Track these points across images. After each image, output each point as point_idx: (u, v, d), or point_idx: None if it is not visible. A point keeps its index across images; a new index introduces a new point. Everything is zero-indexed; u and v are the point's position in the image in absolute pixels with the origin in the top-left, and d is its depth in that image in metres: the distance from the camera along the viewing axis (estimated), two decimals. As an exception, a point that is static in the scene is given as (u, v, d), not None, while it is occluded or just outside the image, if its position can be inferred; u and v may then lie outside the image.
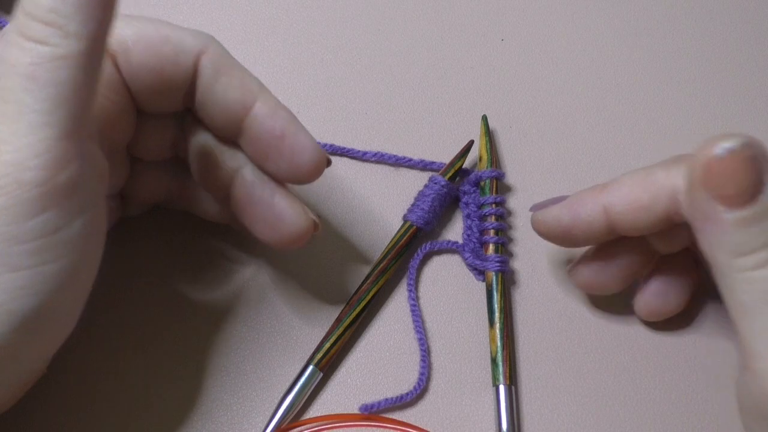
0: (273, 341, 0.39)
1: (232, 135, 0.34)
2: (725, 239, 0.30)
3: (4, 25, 0.43)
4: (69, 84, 0.27)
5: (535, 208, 0.37)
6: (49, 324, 0.29)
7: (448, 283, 0.41)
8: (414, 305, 0.40)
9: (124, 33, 0.32)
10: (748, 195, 0.29)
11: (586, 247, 0.39)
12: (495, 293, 0.39)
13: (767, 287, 0.29)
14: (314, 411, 0.38)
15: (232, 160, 0.35)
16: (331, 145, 0.43)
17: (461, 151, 0.42)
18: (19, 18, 0.27)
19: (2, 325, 0.27)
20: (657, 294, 0.38)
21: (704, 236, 0.31)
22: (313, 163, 0.34)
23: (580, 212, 0.35)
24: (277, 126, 0.33)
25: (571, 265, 0.39)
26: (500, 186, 0.42)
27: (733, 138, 0.29)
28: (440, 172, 0.42)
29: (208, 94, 0.33)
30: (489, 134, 0.43)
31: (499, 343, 0.39)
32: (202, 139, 0.35)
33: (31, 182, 0.26)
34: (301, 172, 0.34)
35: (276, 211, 0.35)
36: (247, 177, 0.35)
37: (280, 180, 0.35)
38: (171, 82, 0.33)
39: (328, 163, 0.35)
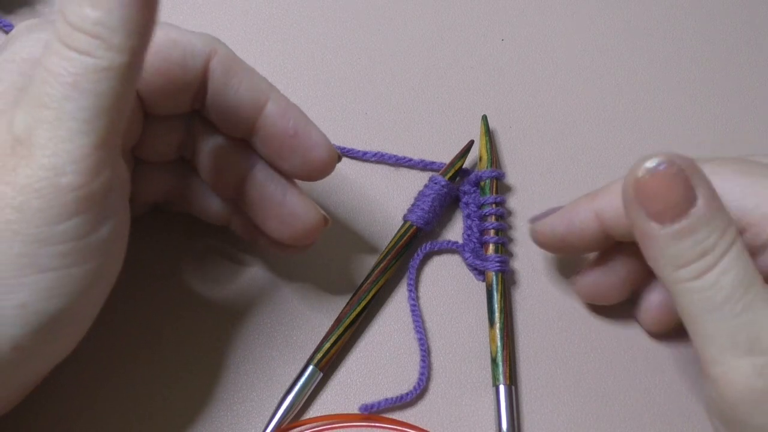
0: (273, 341, 0.39)
1: (243, 135, 0.35)
2: (663, 253, 0.30)
3: (4, 25, 0.43)
4: (109, 95, 0.27)
5: (533, 220, 0.38)
6: (68, 326, 0.30)
7: (448, 283, 0.41)
8: (414, 305, 0.40)
9: None
10: (678, 209, 0.30)
11: (588, 257, 0.39)
12: (495, 293, 0.39)
13: (707, 295, 0.30)
14: (314, 411, 0.38)
15: (242, 160, 0.35)
16: (331, 145, 0.43)
17: (461, 151, 0.42)
18: (61, 26, 0.27)
19: (26, 325, 0.28)
20: (660, 304, 0.38)
21: (646, 252, 0.31)
22: (326, 159, 0.35)
23: (574, 220, 0.36)
24: (290, 125, 0.34)
25: (573, 278, 0.39)
26: (500, 186, 0.42)
27: (655, 157, 0.30)
28: (440, 172, 0.42)
29: (219, 96, 0.33)
30: (489, 134, 0.43)
31: (499, 343, 0.39)
32: (211, 140, 0.35)
33: (66, 187, 0.27)
34: (314, 168, 0.35)
35: (288, 208, 0.35)
36: (259, 176, 0.35)
37: (292, 177, 0.36)
38: (180, 85, 0.33)
39: (339, 158, 0.36)
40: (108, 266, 0.30)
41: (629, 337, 0.40)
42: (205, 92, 0.33)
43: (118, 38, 0.27)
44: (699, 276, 0.30)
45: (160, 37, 0.32)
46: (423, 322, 0.40)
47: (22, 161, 0.27)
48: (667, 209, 0.30)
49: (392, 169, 0.43)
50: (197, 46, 0.33)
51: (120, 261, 0.31)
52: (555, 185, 0.43)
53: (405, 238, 0.40)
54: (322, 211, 0.36)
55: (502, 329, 0.39)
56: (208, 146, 0.35)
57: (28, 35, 0.31)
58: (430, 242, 0.41)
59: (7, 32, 0.43)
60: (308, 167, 0.35)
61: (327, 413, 0.38)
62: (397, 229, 0.41)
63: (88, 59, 0.27)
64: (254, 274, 0.40)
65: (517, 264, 0.41)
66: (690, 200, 0.30)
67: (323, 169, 0.35)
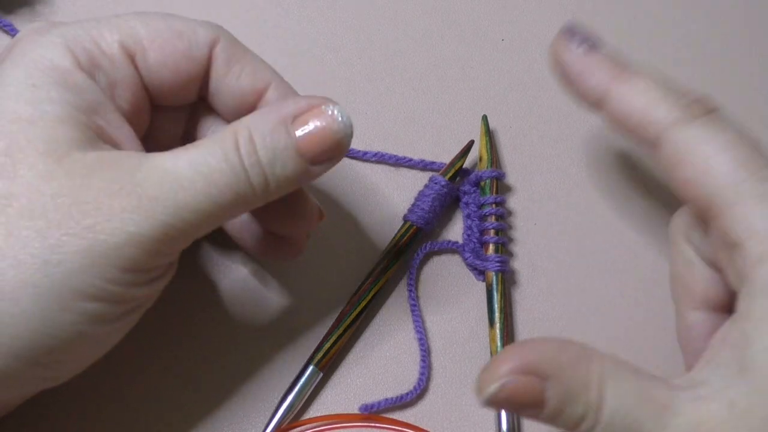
0: (273, 341, 0.39)
1: None
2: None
3: (4, 25, 0.43)
4: (233, 212, 0.31)
5: (568, 31, 0.34)
6: (91, 349, 0.31)
7: (448, 283, 0.41)
8: (414, 305, 0.40)
9: (138, 32, 0.32)
10: (535, 405, 0.28)
11: None
12: (495, 293, 0.40)
13: None
14: (314, 411, 0.38)
15: None
16: (331, 145, 0.43)
17: (461, 151, 0.42)
18: (254, 138, 0.30)
19: (67, 339, 0.29)
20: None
21: None
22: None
23: (582, 82, 0.33)
24: None
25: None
26: (500, 186, 0.42)
27: (487, 387, 0.28)
28: (440, 172, 0.42)
29: (221, 83, 0.34)
30: (489, 134, 0.43)
31: (499, 343, 0.39)
32: (214, 128, 0.36)
33: (161, 250, 0.29)
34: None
35: (287, 198, 0.35)
36: None
37: None
38: (187, 75, 0.33)
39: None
40: (145, 305, 0.32)
41: (629, 338, 0.40)
42: (209, 79, 0.34)
43: (274, 181, 0.30)
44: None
45: (165, 29, 0.32)
46: (423, 321, 0.40)
47: (137, 212, 0.28)
48: (529, 411, 0.28)
49: (392, 169, 0.43)
50: (201, 35, 0.33)
51: (151, 303, 0.33)
52: (555, 185, 0.43)
53: (405, 238, 0.40)
54: (318, 204, 0.36)
55: (502, 329, 0.39)
56: (210, 133, 0.36)
57: (39, 38, 0.31)
58: (430, 242, 0.41)
59: (7, 32, 0.43)
60: None
61: (327, 413, 0.38)
62: (397, 229, 0.41)
63: (240, 178, 0.30)
64: (253, 273, 0.40)
65: (517, 264, 0.41)
66: (540, 402, 0.28)
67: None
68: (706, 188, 0.29)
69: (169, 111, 0.35)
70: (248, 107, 0.34)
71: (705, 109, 0.30)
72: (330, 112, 0.31)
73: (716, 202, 0.29)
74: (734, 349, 0.28)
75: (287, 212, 0.35)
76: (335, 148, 0.31)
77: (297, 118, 0.31)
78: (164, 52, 0.32)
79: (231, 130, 0.30)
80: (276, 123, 0.30)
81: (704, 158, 0.29)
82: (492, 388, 0.28)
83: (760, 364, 0.27)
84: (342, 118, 0.31)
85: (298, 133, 0.30)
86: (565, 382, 0.28)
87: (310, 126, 0.30)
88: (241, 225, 0.37)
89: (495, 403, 0.28)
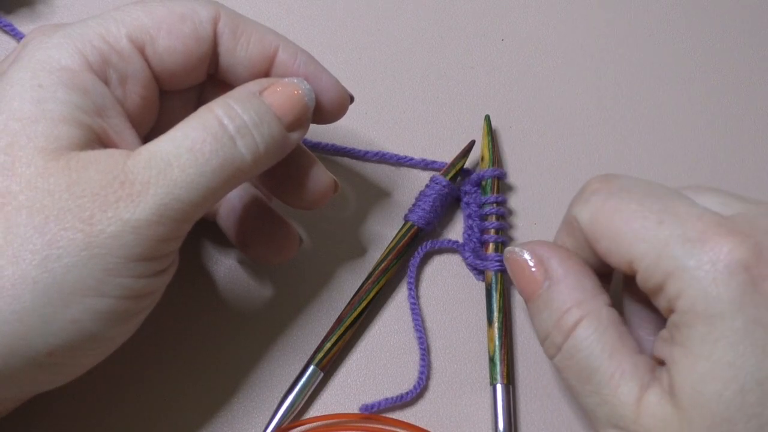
0: (273, 341, 0.39)
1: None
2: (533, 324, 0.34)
3: (4, 25, 0.43)
4: (227, 184, 0.31)
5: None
6: (99, 347, 0.31)
7: (448, 283, 0.41)
8: (414, 304, 0.40)
9: (143, 22, 0.32)
10: (527, 294, 0.33)
11: None
12: (494, 293, 0.40)
13: (564, 375, 0.32)
14: (315, 411, 0.38)
15: None
16: (332, 145, 0.43)
17: (462, 151, 0.42)
18: (233, 106, 0.31)
19: (69, 338, 0.29)
20: None
21: None
22: (338, 102, 0.35)
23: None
24: (301, 71, 0.34)
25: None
26: (501, 186, 0.42)
27: (518, 247, 0.34)
28: (441, 172, 0.42)
29: (231, 56, 0.34)
30: (491, 134, 0.43)
31: (497, 342, 0.39)
32: None
33: (160, 235, 0.29)
34: (327, 112, 0.35)
35: (304, 170, 0.36)
36: None
37: None
38: (196, 57, 0.33)
39: (351, 99, 0.36)
40: (148, 306, 0.32)
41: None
42: (217, 56, 0.34)
43: (263, 145, 0.31)
44: (554, 355, 0.32)
45: (167, 15, 0.33)
46: (423, 321, 0.40)
47: (129, 198, 0.29)
48: (522, 290, 0.34)
49: (393, 168, 0.43)
50: (203, 14, 0.33)
51: (155, 303, 0.33)
52: (555, 185, 0.43)
53: (406, 238, 0.40)
54: (332, 175, 0.37)
55: (500, 328, 0.39)
56: None
57: (47, 40, 0.31)
58: (430, 240, 0.41)
59: (7, 32, 0.43)
60: (321, 111, 0.35)
61: (327, 413, 0.38)
62: (398, 229, 0.41)
63: (226, 145, 0.30)
64: (255, 274, 0.40)
65: (517, 264, 0.41)
66: (540, 282, 0.33)
67: (335, 113, 0.36)
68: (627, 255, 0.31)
69: (178, 95, 0.35)
70: (262, 74, 0.34)
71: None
72: (288, 81, 0.33)
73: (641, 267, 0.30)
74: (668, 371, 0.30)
75: (299, 180, 0.36)
76: (304, 111, 0.33)
77: (263, 91, 0.32)
78: (171, 37, 0.32)
79: (204, 107, 0.31)
80: (248, 94, 0.32)
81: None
82: (511, 248, 0.34)
83: (686, 398, 0.29)
84: (301, 83, 0.33)
85: (270, 100, 0.32)
86: (559, 279, 0.32)
87: (278, 92, 0.33)
88: (237, 224, 0.38)
89: (506, 260, 0.34)
